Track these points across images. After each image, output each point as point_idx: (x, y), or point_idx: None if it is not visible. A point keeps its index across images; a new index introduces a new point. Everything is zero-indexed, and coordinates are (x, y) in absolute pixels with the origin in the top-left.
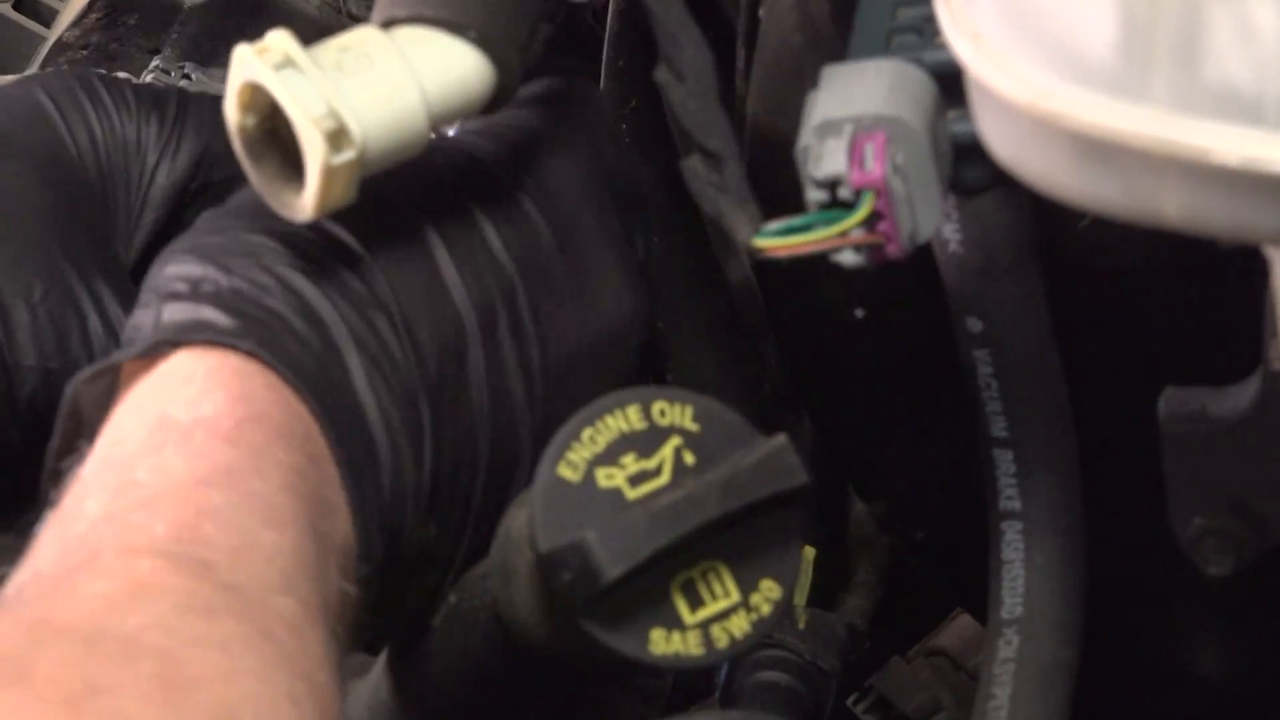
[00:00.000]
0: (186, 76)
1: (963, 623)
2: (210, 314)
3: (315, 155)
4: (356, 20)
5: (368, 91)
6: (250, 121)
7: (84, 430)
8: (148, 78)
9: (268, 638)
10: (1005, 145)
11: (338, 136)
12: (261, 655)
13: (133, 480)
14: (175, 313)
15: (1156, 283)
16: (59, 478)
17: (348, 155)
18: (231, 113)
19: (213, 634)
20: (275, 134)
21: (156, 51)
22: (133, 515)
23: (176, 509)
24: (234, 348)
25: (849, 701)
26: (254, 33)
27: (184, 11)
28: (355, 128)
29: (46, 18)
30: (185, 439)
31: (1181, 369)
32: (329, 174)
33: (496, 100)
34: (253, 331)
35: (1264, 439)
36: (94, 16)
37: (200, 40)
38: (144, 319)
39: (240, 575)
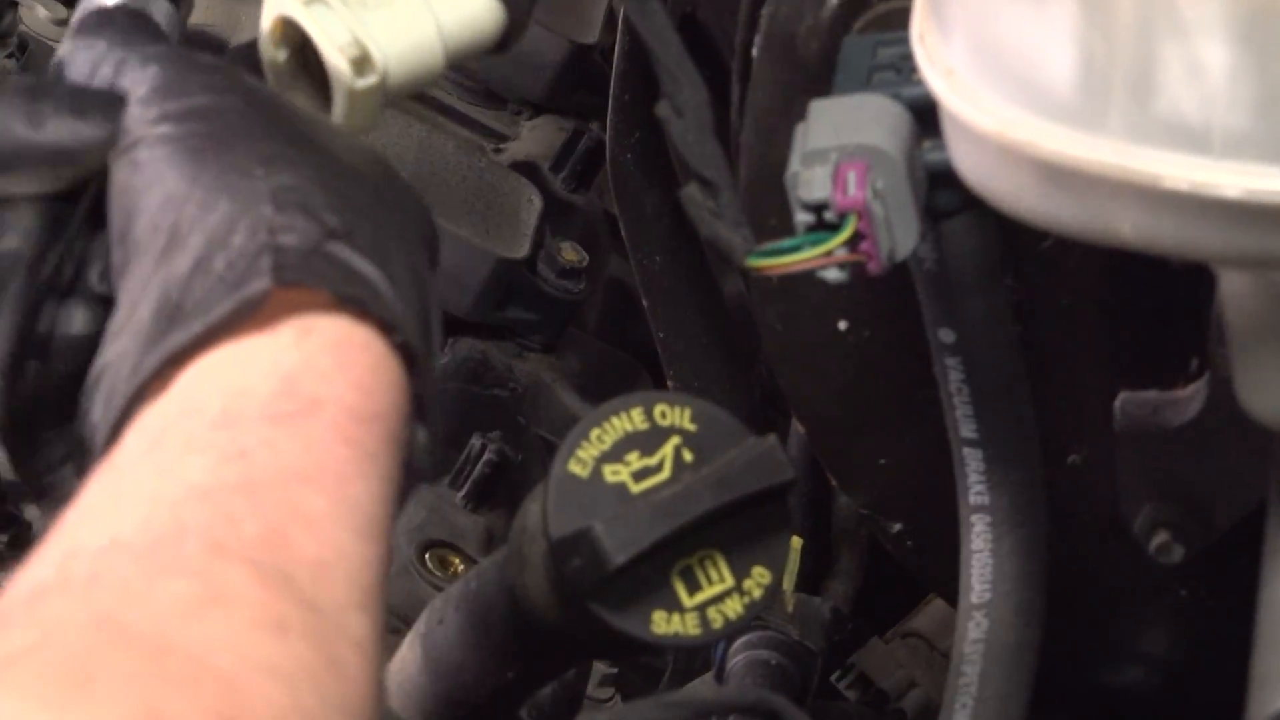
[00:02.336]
0: None
1: (936, 607)
2: (364, 267)
3: (341, 79)
4: None
5: (388, 24)
6: (282, 56)
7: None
8: None
9: (333, 665)
10: (975, 171)
11: (361, 63)
12: (321, 693)
13: (241, 450)
14: (303, 239)
15: (1113, 296)
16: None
17: (370, 79)
18: (266, 47)
19: (281, 661)
20: (305, 68)
21: None
22: (230, 501)
23: (274, 507)
24: (386, 327)
25: (832, 678)
26: None
27: None
28: (377, 55)
29: None
30: (305, 419)
31: (1136, 374)
32: (353, 97)
33: (507, 38)
34: (409, 320)
35: (1211, 439)
36: None
37: None
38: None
39: (321, 592)
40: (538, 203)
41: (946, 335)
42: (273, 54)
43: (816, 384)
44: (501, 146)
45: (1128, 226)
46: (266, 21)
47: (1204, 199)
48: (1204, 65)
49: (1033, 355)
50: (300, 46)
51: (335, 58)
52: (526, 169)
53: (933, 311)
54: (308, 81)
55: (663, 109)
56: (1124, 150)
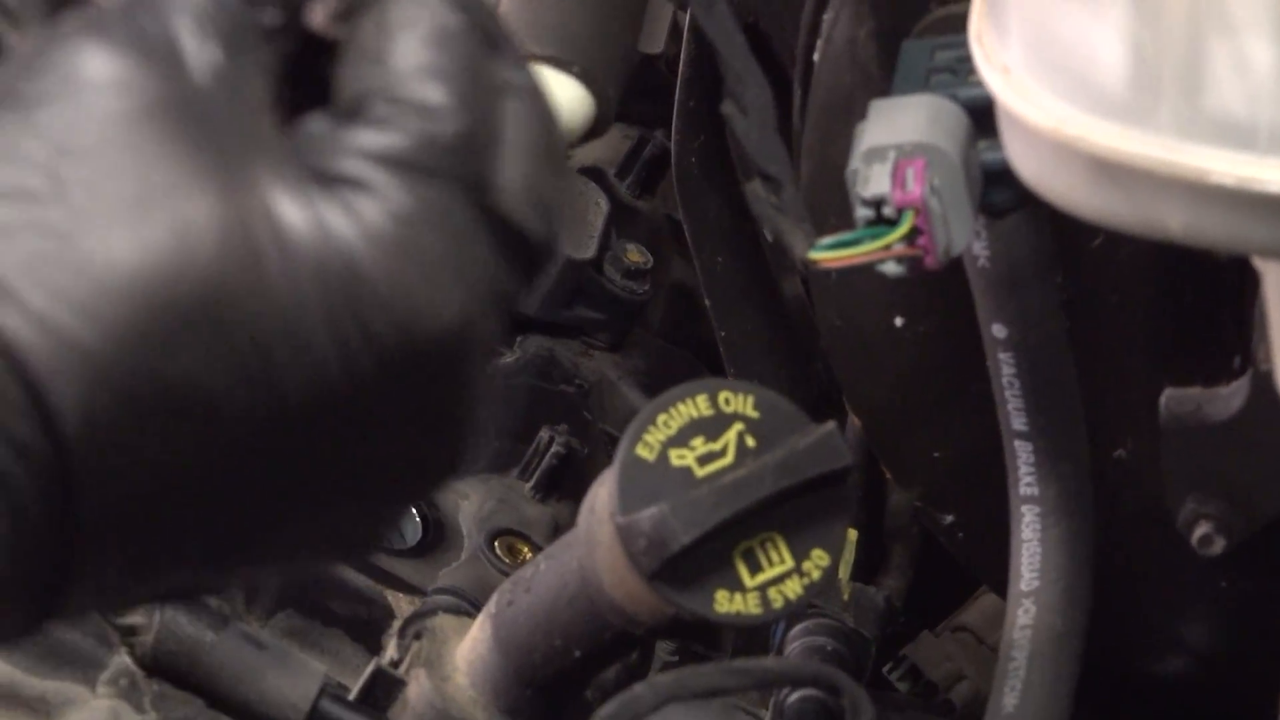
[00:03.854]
0: None
1: (985, 602)
2: None
3: None
4: None
5: None
6: None
7: None
8: None
9: None
10: (1030, 167)
11: None
12: None
13: None
14: None
15: (1159, 294)
16: None
17: None
18: None
19: None
20: None
21: None
22: None
23: None
24: None
25: (885, 669)
26: None
27: None
28: None
29: None
30: None
31: (1181, 370)
32: None
33: (596, 127)
34: None
35: (1253, 434)
36: None
37: None
38: None
39: None
40: (604, 206)
41: (999, 330)
42: None
43: (873, 378)
44: (569, 153)
45: (1176, 220)
46: None
47: (1249, 193)
48: (1251, 62)
49: (1082, 351)
50: None
51: None
52: (594, 174)
53: (986, 307)
54: None
55: (728, 107)
56: (1173, 146)
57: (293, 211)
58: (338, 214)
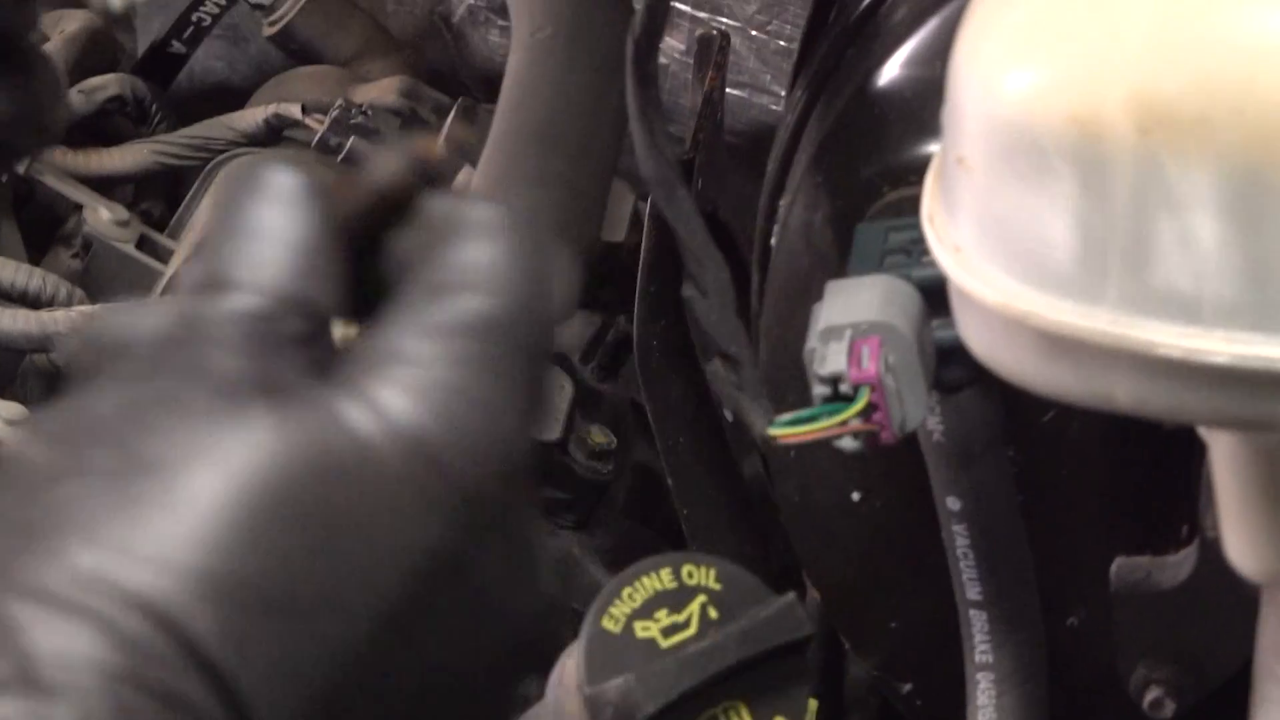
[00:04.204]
0: None
1: None
2: None
3: None
4: None
5: None
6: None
7: None
8: None
9: None
10: (982, 343)
11: None
12: None
13: None
14: None
15: (1109, 467)
16: None
17: None
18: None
19: None
20: None
21: None
22: None
23: None
24: None
25: None
26: None
27: None
28: None
29: (164, 256)
30: None
31: (1130, 540)
32: None
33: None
34: None
35: (1202, 600)
36: None
37: None
38: None
39: None
40: (569, 389)
41: (953, 503)
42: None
43: (831, 552)
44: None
45: (1123, 392)
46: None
47: (1195, 365)
48: (1195, 239)
49: (1034, 521)
50: None
51: None
52: (559, 359)
53: (940, 480)
54: None
55: (688, 289)
56: (1120, 320)
57: (349, 407)
58: (392, 393)
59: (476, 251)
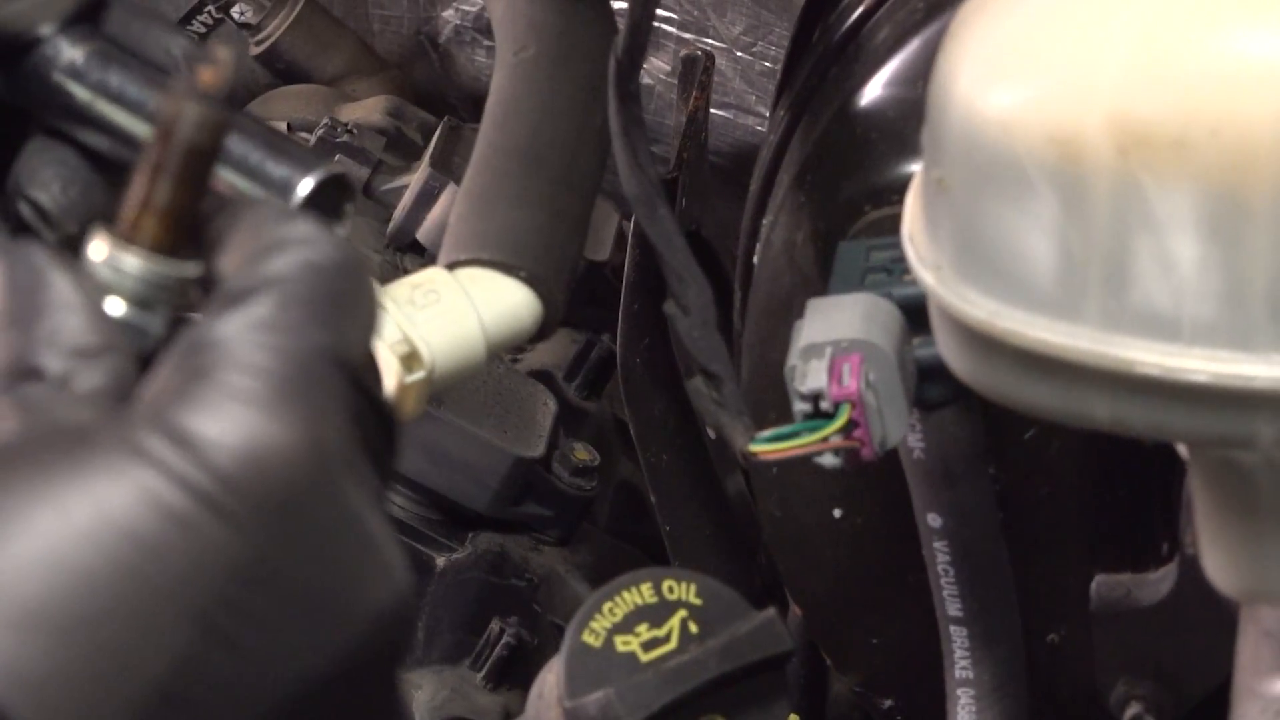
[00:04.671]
0: None
1: None
2: None
3: (390, 375)
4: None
5: (435, 322)
6: None
7: None
8: None
9: None
10: (962, 361)
11: (410, 360)
12: None
13: None
14: None
15: (1089, 486)
16: None
17: (418, 375)
18: None
19: None
20: None
21: None
22: None
23: None
24: None
25: None
26: None
27: None
28: (425, 352)
29: None
30: None
31: (1110, 557)
32: (403, 391)
33: (543, 330)
34: None
35: (1182, 617)
36: None
37: None
38: None
39: None
40: (552, 407)
41: (934, 520)
42: None
43: (813, 568)
44: (519, 356)
45: (1103, 410)
46: None
47: (1174, 383)
48: (1174, 258)
49: (1015, 539)
50: None
51: (386, 355)
52: (542, 376)
53: (921, 497)
54: None
55: (670, 307)
56: (1100, 339)
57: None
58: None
59: (280, 262)
